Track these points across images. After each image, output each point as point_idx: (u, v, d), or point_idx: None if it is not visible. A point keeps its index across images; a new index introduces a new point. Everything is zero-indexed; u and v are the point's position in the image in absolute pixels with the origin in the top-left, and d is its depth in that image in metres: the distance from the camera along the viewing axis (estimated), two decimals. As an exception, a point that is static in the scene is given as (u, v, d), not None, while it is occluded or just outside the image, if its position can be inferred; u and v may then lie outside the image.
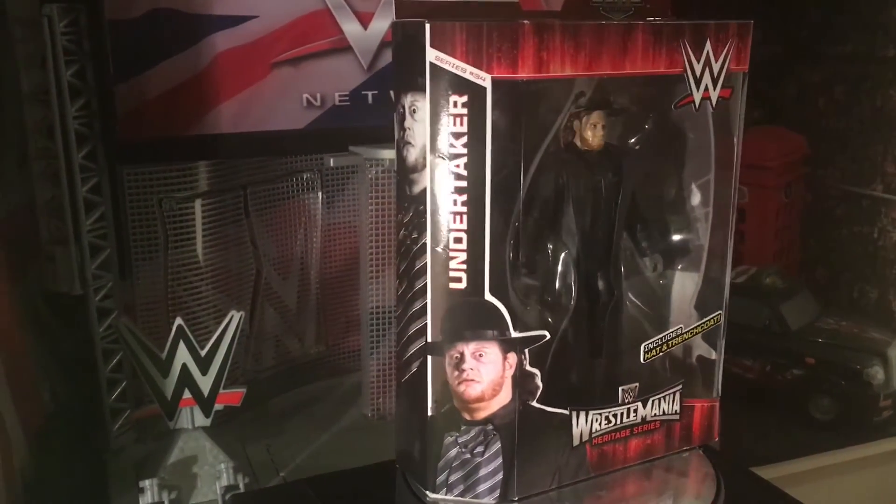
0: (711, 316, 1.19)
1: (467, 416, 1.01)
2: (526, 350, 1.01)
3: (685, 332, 1.18)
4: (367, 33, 1.79)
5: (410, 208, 0.97)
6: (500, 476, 1.03)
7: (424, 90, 0.93)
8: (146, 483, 1.50)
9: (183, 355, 1.52)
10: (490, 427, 1.02)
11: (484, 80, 0.92)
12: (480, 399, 1.01)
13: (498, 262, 0.97)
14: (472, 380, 1.00)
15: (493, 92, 0.92)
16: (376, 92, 1.82)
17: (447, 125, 0.93)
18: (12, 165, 1.72)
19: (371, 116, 1.82)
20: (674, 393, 1.17)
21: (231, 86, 1.71)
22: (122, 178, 1.71)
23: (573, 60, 0.96)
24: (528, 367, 1.01)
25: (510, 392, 1.01)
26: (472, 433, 1.02)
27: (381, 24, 1.79)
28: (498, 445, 1.03)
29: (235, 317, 1.54)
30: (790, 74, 2.88)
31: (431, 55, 0.91)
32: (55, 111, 1.61)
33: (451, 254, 0.96)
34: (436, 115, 0.93)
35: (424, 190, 0.95)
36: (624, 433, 1.13)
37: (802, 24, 2.81)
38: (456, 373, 1.00)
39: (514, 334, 1.00)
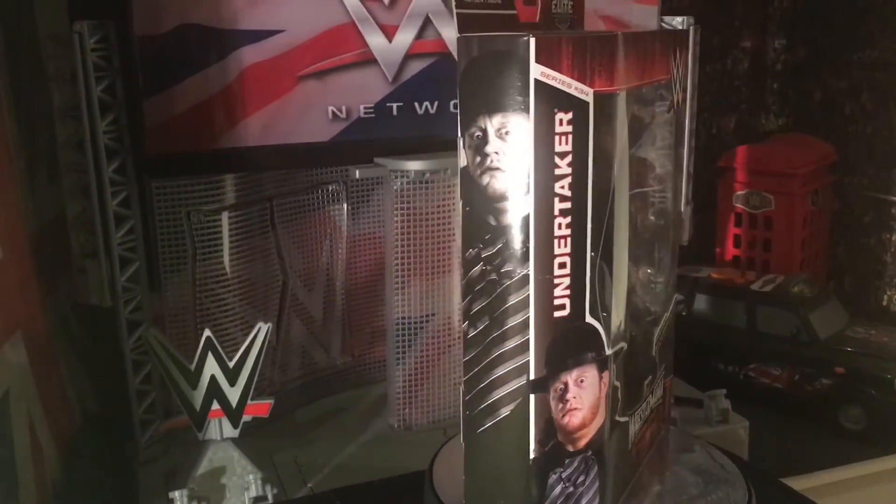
0: (673, 300, 1.23)
1: (570, 448, 0.97)
2: (614, 365, 0.99)
3: (668, 318, 1.20)
4: (392, 46, 1.80)
5: (497, 240, 0.90)
6: (597, 500, 1.00)
7: (523, 109, 0.87)
8: (176, 494, 1.51)
9: (211, 367, 1.53)
10: (589, 453, 0.99)
11: (587, 94, 0.88)
12: (582, 426, 0.97)
13: (593, 281, 0.94)
14: (576, 408, 0.96)
15: (594, 106, 0.89)
16: (401, 104, 1.83)
17: (553, 145, 0.88)
18: (43, 180, 1.74)
19: (396, 128, 1.83)
20: (662, 377, 1.19)
21: (258, 99, 1.73)
22: (151, 192, 1.73)
23: (636, 70, 0.96)
24: (615, 382, 1.00)
25: (603, 411, 0.98)
26: (575, 464, 0.98)
27: (406, 36, 1.80)
28: (595, 469, 0.99)
29: (263, 328, 1.55)
30: (816, 81, 2.86)
31: (536, 71, 0.86)
32: (85, 126, 1.63)
33: (556, 280, 0.91)
34: (540, 135, 0.87)
35: (525, 217, 0.89)
36: (645, 427, 1.14)
37: (828, 30, 2.80)
38: (560, 405, 0.95)
39: (608, 351, 0.97)
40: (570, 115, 0.87)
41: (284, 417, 1.92)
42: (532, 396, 0.93)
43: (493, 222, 0.90)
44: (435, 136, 1.83)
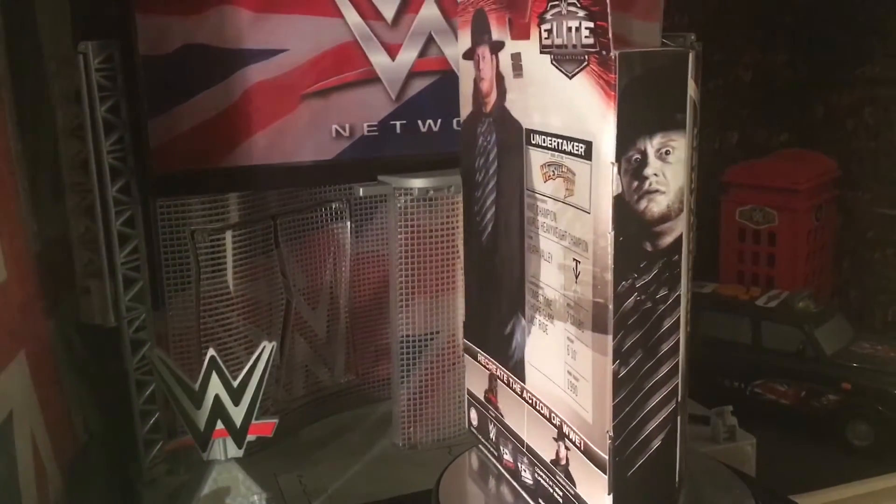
0: None
1: (685, 465, 0.95)
2: None
3: None
4: (395, 64, 1.80)
5: (654, 266, 0.87)
6: None
7: (682, 127, 0.86)
8: (180, 514, 1.50)
9: (216, 386, 1.52)
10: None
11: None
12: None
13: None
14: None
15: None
16: (404, 121, 1.83)
17: (691, 160, 0.90)
18: (47, 200, 1.74)
19: (399, 146, 1.84)
20: None
21: (261, 118, 1.73)
22: (155, 211, 1.73)
23: None
24: None
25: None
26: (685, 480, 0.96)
27: (409, 54, 1.80)
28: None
29: (267, 347, 1.54)
30: (818, 97, 2.86)
31: (692, 87, 0.86)
32: (90, 146, 1.64)
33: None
34: (689, 151, 0.88)
35: (679, 237, 0.87)
36: None
37: (829, 46, 2.81)
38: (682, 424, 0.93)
39: None
40: (695, 129, 0.90)
41: (289, 437, 1.91)
42: (678, 419, 0.90)
43: (648, 248, 0.86)
44: (438, 154, 1.84)
